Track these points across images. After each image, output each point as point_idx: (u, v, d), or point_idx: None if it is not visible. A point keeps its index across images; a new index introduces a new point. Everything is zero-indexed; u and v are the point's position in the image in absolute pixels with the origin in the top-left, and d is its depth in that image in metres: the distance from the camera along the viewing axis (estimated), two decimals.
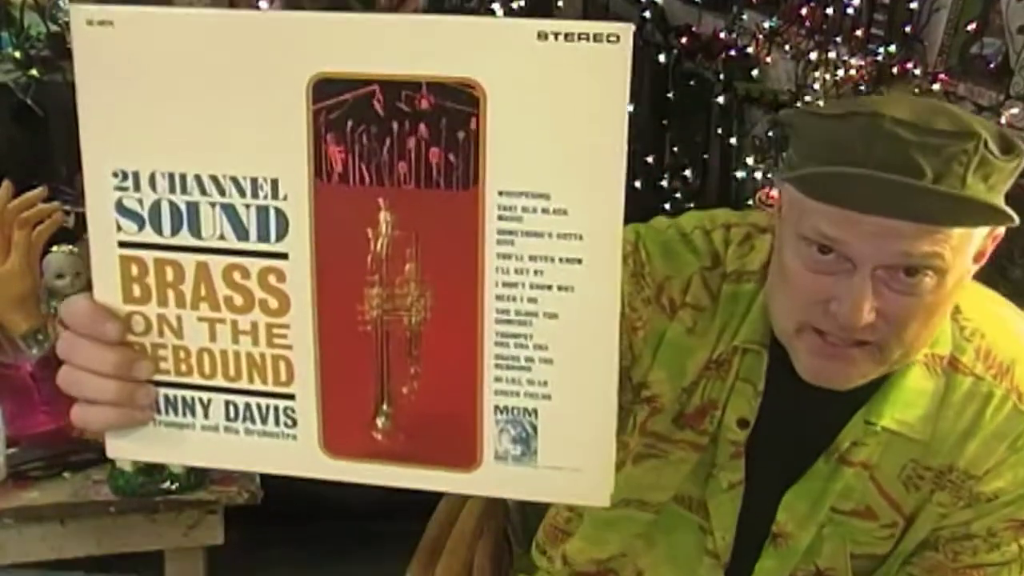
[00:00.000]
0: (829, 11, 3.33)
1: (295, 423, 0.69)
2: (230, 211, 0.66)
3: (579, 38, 0.59)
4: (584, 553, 1.19)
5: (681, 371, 1.06)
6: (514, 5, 3.62)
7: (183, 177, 0.66)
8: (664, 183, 3.93)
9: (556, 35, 0.59)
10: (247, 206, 0.65)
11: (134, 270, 0.68)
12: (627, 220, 0.63)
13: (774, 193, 3.15)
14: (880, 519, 1.07)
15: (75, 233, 1.78)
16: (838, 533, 1.08)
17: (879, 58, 3.06)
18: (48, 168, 2.42)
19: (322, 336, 0.67)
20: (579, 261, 0.63)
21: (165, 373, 0.70)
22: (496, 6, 3.55)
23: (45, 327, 1.45)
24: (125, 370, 0.68)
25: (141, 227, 0.67)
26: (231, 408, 0.70)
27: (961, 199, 0.87)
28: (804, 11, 3.43)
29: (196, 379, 0.70)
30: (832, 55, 3.26)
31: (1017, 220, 0.89)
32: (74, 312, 0.67)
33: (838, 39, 3.28)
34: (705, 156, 4.02)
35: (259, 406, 0.69)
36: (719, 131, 3.91)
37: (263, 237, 0.66)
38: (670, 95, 3.94)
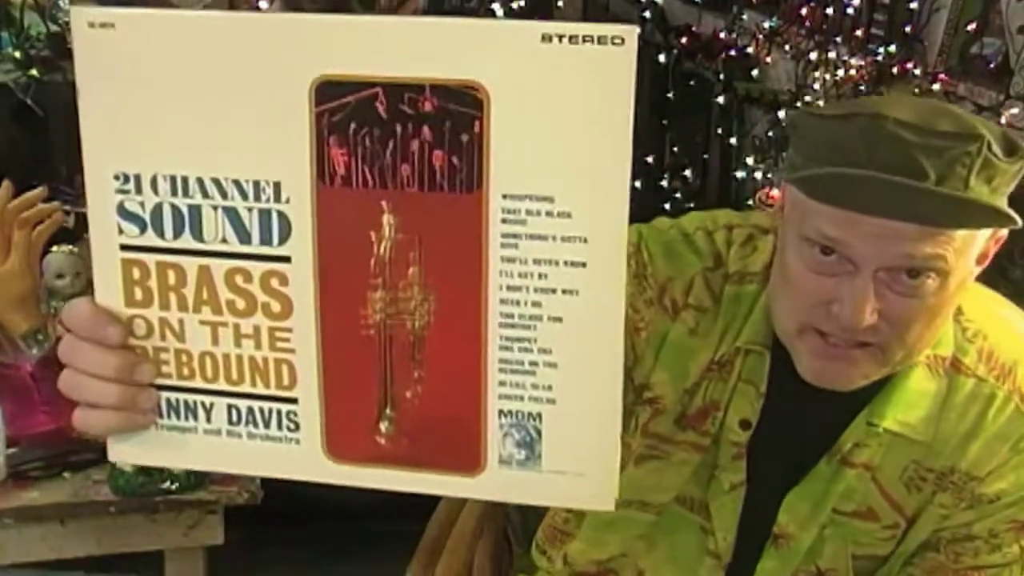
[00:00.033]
0: (829, 11, 3.33)
1: (298, 427, 0.69)
2: (232, 214, 0.66)
3: (583, 40, 0.59)
4: (585, 554, 1.19)
5: (683, 372, 1.06)
6: (514, 5, 3.61)
7: (185, 180, 0.65)
8: (664, 183, 3.93)
9: (560, 37, 0.59)
10: (249, 209, 0.65)
11: (136, 273, 0.68)
12: (627, 221, 0.63)
13: (774, 193, 3.15)
14: (882, 520, 1.07)
15: (75, 233, 1.78)
16: (839, 534, 1.08)
17: (879, 58, 3.07)
18: (48, 168, 2.42)
19: (325, 340, 0.67)
20: (583, 264, 0.63)
21: (167, 377, 0.69)
22: (496, 6, 3.55)
23: (45, 327, 1.45)
24: (127, 374, 0.68)
25: (143, 230, 0.67)
26: (233, 412, 0.70)
27: (963, 201, 0.86)
28: (804, 11, 3.43)
29: (198, 383, 0.69)
30: (832, 55, 3.26)
31: (1020, 222, 0.89)
32: (76, 315, 0.67)
33: (838, 39, 3.27)
34: (705, 156, 4.01)
35: (261, 410, 0.69)
36: (719, 131, 3.90)
37: (265, 240, 0.66)
38: (670, 95, 3.94)
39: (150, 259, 0.67)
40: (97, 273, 0.68)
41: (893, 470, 1.04)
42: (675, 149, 3.97)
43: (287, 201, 0.65)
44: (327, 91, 0.62)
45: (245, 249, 0.66)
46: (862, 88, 3.09)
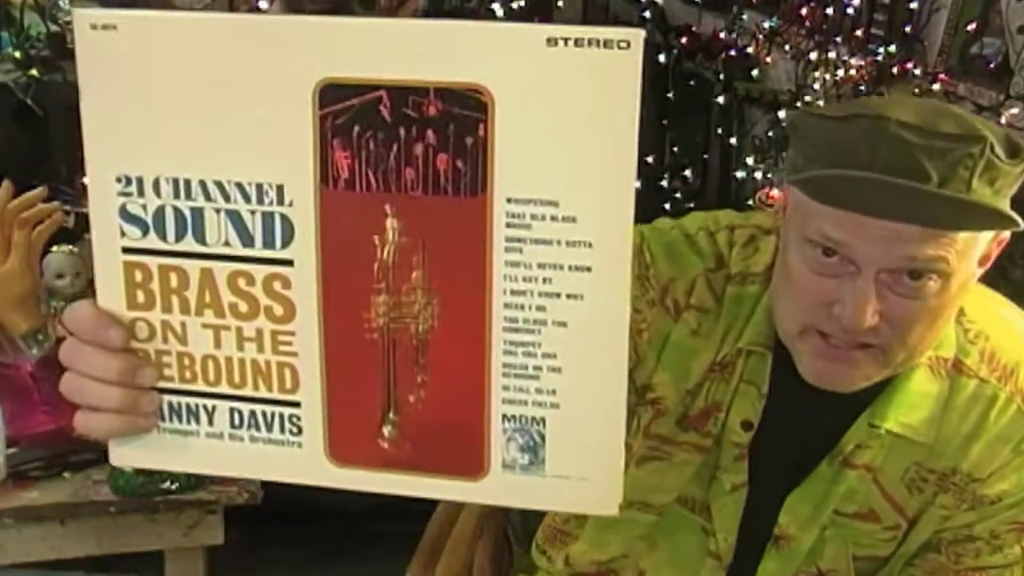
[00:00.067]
0: (829, 11, 3.33)
1: (300, 431, 0.69)
2: (235, 217, 0.65)
3: (589, 44, 0.58)
4: (587, 555, 1.19)
5: (685, 373, 1.06)
6: (514, 5, 3.61)
7: (187, 183, 0.65)
8: (664, 183, 3.93)
9: (566, 40, 0.59)
10: (252, 212, 0.65)
11: (138, 276, 0.67)
12: (632, 225, 0.63)
13: (774, 193, 3.15)
14: (883, 521, 1.07)
15: (75, 233, 1.78)
16: (840, 535, 1.08)
17: (879, 58, 3.07)
18: (48, 168, 2.42)
19: (328, 343, 0.66)
20: (588, 269, 0.62)
21: (169, 380, 0.69)
22: (496, 6, 3.55)
23: (45, 327, 1.45)
24: (129, 377, 0.67)
25: (145, 233, 0.66)
26: (236, 415, 0.69)
27: (966, 203, 0.86)
28: (804, 11, 3.44)
29: (200, 386, 0.69)
30: (832, 55, 3.26)
31: (1022, 224, 0.89)
32: (78, 318, 0.67)
33: (838, 39, 3.28)
34: (705, 156, 4.02)
35: (264, 413, 0.69)
36: (719, 131, 3.91)
37: (268, 243, 0.65)
38: (670, 95, 3.94)
39: (152, 262, 0.67)
40: (99, 276, 0.68)
41: (894, 471, 1.04)
42: (675, 149, 3.98)
43: (290, 204, 0.64)
44: (331, 94, 0.61)
45: (248, 252, 0.66)
46: (862, 88, 3.10)
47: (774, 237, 1.06)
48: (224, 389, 0.69)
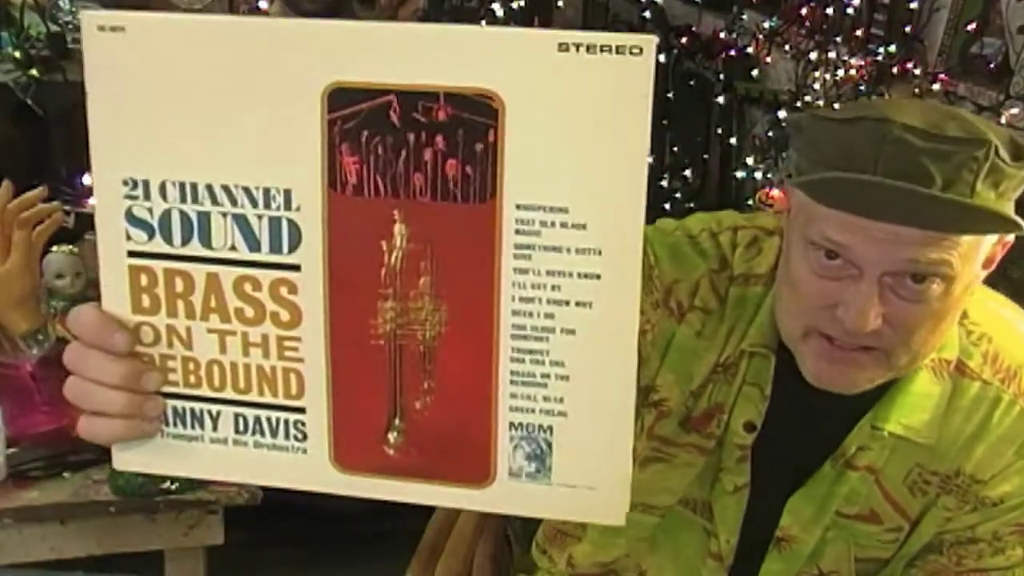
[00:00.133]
0: (829, 11, 3.33)
1: (305, 437, 0.68)
2: (242, 221, 0.65)
3: (601, 50, 0.58)
4: (590, 556, 1.19)
5: (688, 375, 1.06)
6: (514, 5, 3.61)
7: (194, 186, 0.65)
8: (664, 183, 3.93)
9: (577, 47, 0.58)
10: (259, 216, 0.64)
11: (143, 280, 0.67)
12: (643, 232, 0.62)
13: (774, 193, 3.15)
14: (885, 523, 1.07)
15: (75, 233, 1.78)
16: (842, 537, 1.08)
17: (879, 58, 3.07)
18: (48, 168, 2.42)
19: (334, 349, 0.66)
20: (597, 276, 0.62)
21: (174, 385, 0.69)
22: (496, 6, 3.55)
23: (45, 327, 1.44)
24: (133, 381, 0.67)
25: (151, 236, 0.66)
26: (240, 421, 0.69)
27: (969, 207, 0.86)
28: (804, 11, 3.44)
29: (205, 391, 0.69)
30: (832, 55, 3.26)
31: None
32: (82, 322, 0.66)
33: (838, 39, 3.28)
34: (705, 156, 4.02)
35: (269, 419, 0.68)
36: (719, 131, 3.91)
37: (275, 248, 0.65)
38: (670, 95, 3.94)
39: (158, 266, 0.67)
40: (104, 279, 0.67)
41: (897, 473, 1.04)
42: (675, 149, 3.98)
43: (297, 209, 0.64)
44: (339, 98, 0.61)
45: (254, 257, 0.65)
46: (862, 88, 3.10)
47: (777, 238, 1.06)
48: (229, 394, 0.69)
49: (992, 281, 1.00)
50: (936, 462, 1.03)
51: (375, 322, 0.64)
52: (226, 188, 0.64)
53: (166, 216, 0.66)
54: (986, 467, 1.02)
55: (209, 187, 0.64)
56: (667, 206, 3.78)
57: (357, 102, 0.61)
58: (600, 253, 0.62)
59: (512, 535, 1.44)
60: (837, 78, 3.20)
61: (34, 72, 2.47)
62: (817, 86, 3.28)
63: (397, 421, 0.66)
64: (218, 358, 0.68)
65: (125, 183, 0.65)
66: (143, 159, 0.65)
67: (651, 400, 1.07)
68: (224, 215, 0.65)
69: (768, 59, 3.66)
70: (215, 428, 0.69)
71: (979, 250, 0.91)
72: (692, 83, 3.96)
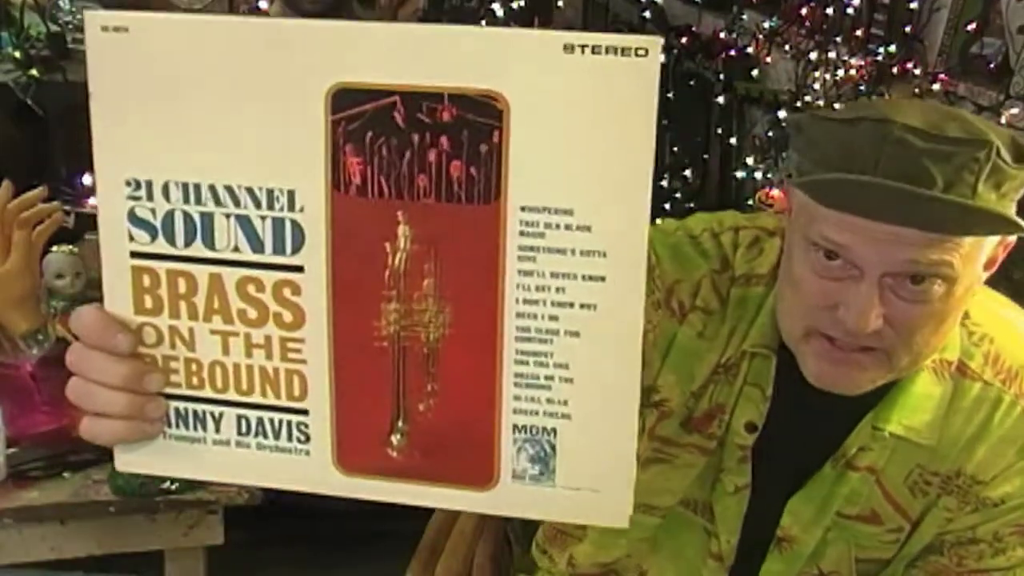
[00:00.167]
0: (829, 11, 3.34)
1: (308, 438, 0.68)
2: (245, 222, 0.64)
3: (606, 51, 0.58)
4: (591, 557, 1.19)
5: (690, 375, 1.06)
6: (514, 5, 3.61)
7: (197, 187, 0.64)
8: (664, 183, 3.93)
9: (583, 48, 0.58)
10: (262, 218, 0.64)
11: (146, 281, 0.67)
12: (647, 234, 0.62)
13: (774, 193, 3.15)
14: (885, 524, 1.07)
15: (75, 233, 1.78)
16: (843, 537, 1.08)
17: (879, 58, 3.07)
18: (48, 168, 2.42)
19: (337, 351, 0.66)
20: (602, 279, 0.62)
21: (176, 386, 0.68)
22: (496, 6, 3.55)
23: (45, 327, 1.44)
24: (135, 383, 0.67)
25: (154, 237, 0.66)
26: (243, 422, 0.69)
27: (970, 208, 0.86)
28: (804, 11, 3.44)
29: (208, 392, 0.68)
30: (832, 55, 3.26)
31: None
32: (84, 323, 0.66)
33: (838, 39, 3.28)
34: (705, 156, 4.01)
35: (272, 421, 0.68)
36: (719, 131, 3.91)
37: (278, 249, 0.65)
38: (670, 95, 3.94)
39: (160, 267, 0.66)
40: (106, 280, 0.67)
41: (897, 474, 1.04)
42: (675, 149, 3.98)
43: (301, 210, 0.64)
44: (343, 99, 0.61)
45: (257, 258, 0.65)
46: (862, 88, 3.10)
47: (778, 239, 1.06)
48: (232, 396, 0.68)
49: (993, 282, 0.99)
50: (937, 463, 1.03)
51: (378, 324, 0.64)
52: (229, 189, 0.64)
53: (169, 217, 0.65)
54: (987, 468, 1.02)
55: (212, 188, 0.64)
56: (667, 206, 3.78)
57: (361, 103, 0.60)
58: (605, 255, 0.61)
59: (512, 535, 1.43)
60: (837, 78, 3.21)
61: (34, 72, 2.47)
62: (817, 86, 3.28)
63: (400, 423, 0.66)
64: (221, 359, 0.67)
65: (128, 184, 0.65)
66: (146, 160, 0.64)
67: (652, 401, 1.06)
68: (227, 216, 0.65)
69: (768, 59, 3.66)
70: (218, 430, 0.69)
71: (981, 251, 0.91)
72: (692, 83, 3.95)
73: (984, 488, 1.02)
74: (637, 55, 0.58)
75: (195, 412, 0.69)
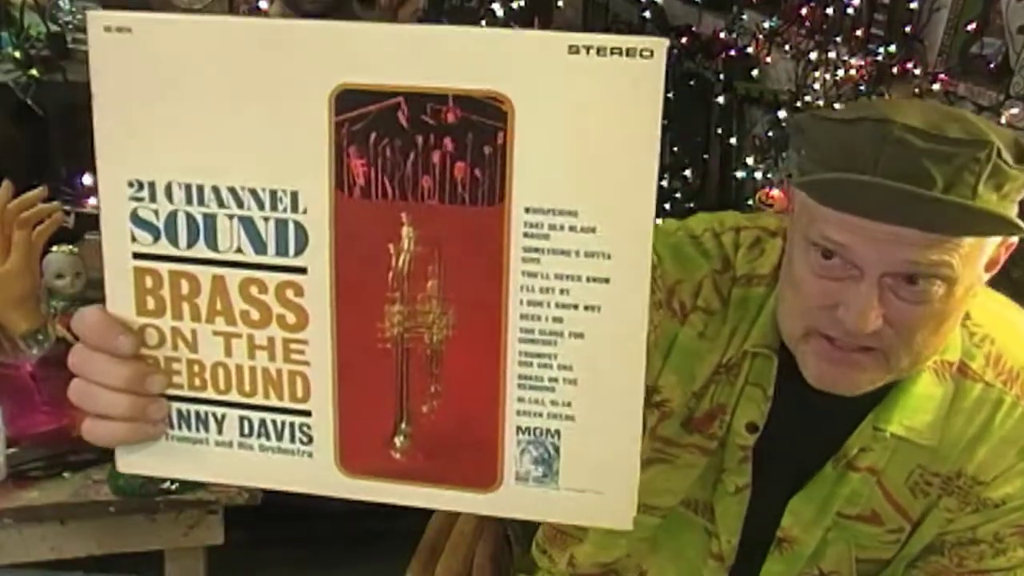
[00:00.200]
0: (829, 11, 3.34)
1: (311, 440, 0.68)
2: (248, 224, 0.64)
3: (612, 53, 0.58)
4: (592, 557, 1.19)
5: (691, 375, 1.06)
6: (514, 5, 3.61)
7: (200, 188, 0.64)
8: (664, 183, 3.93)
9: (588, 49, 0.58)
10: (266, 219, 0.64)
11: (148, 282, 0.66)
12: (652, 236, 0.62)
13: (774, 193, 3.15)
14: (886, 524, 1.07)
15: (75, 233, 1.77)
16: (843, 537, 1.08)
17: (879, 58, 3.07)
18: (48, 168, 2.41)
19: (340, 352, 0.65)
20: (607, 280, 0.62)
21: (178, 387, 0.68)
22: (496, 5, 3.55)
23: (45, 327, 1.44)
24: (138, 384, 0.66)
25: (156, 238, 0.66)
26: (246, 424, 0.69)
27: (970, 209, 0.86)
28: (804, 11, 3.44)
29: (210, 394, 0.68)
30: (832, 55, 3.26)
31: None
32: (86, 324, 0.66)
33: (838, 39, 3.28)
34: (705, 156, 4.02)
35: (274, 422, 0.68)
36: (719, 131, 3.91)
37: (282, 251, 0.64)
38: (670, 95, 3.93)
39: (163, 268, 0.66)
40: (109, 281, 0.67)
41: (898, 474, 1.04)
42: (675, 149, 3.98)
43: (304, 211, 0.63)
44: (347, 100, 0.60)
45: (260, 259, 0.65)
46: (862, 88, 3.10)
47: (780, 239, 1.06)
48: (234, 397, 0.68)
49: (994, 282, 0.99)
50: (938, 463, 1.03)
51: (382, 325, 0.64)
52: (232, 190, 0.64)
53: (172, 218, 0.65)
54: (988, 468, 1.02)
55: (215, 189, 0.64)
56: (667, 206, 3.78)
57: (365, 104, 0.60)
58: (609, 257, 0.61)
59: (512, 535, 1.43)
60: (837, 78, 3.21)
61: (34, 72, 2.47)
62: (817, 86, 3.28)
63: (403, 425, 0.66)
64: (223, 361, 0.67)
65: (130, 184, 0.65)
66: (149, 161, 0.64)
67: (653, 401, 1.06)
68: (230, 217, 0.64)
69: (768, 59, 3.66)
70: (220, 431, 0.69)
71: (981, 252, 0.91)
72: (692, 83, 3.96)
73: (985, 489, 1.02)
74: (642, 56, 0.58)
75: (197, 413, 0.69)
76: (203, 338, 0.67)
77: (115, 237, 0.66)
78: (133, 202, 0.65)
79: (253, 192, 0.64)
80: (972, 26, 2.81)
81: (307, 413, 0.68)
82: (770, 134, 3.50)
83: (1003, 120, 2.56)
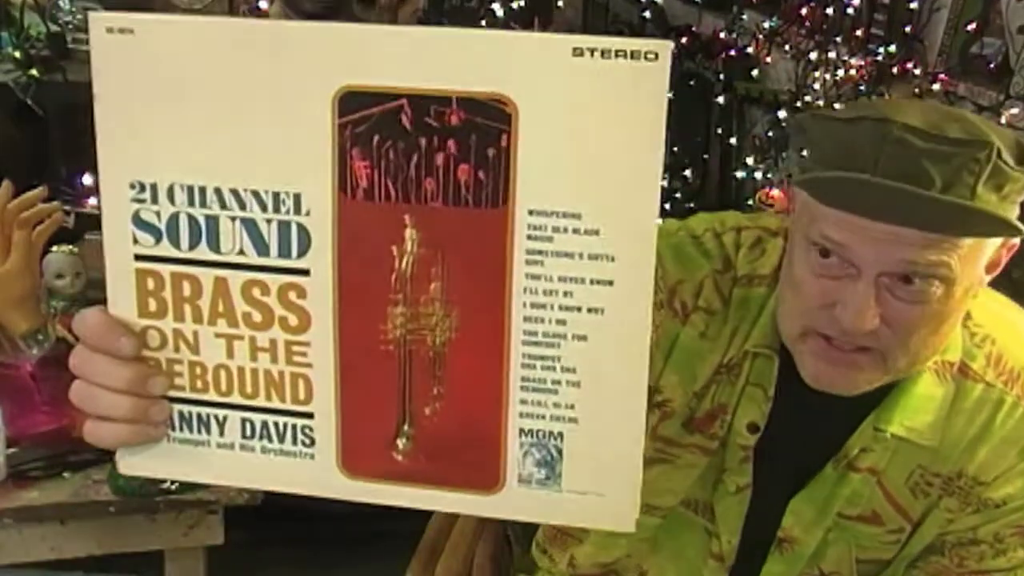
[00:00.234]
0: (829, 11, 3.33)
1: (313, 442, 0.68)
2: (250, 226, 0.64)
3: (616, 55, 0.58)
4: (592, 557, 1.19)
5: (692, 376, 1.06)
6: (514, 5, 3.61)
7: (202, 190, 0.64)
8: (664, 183, 3.92)
9: (592, 51, 0.58)
10: (268, 221, 0.64)
11: (150, 284, 0.66)
12: (656, 239, 0.62)
13: (774, 193, 3.15)
14: (886, 524, 1.07)
15: (75, 233, 1.77)
16: (844, 538, 1.08)
17: (879, 58, 3.07)
18: (48, 168, 2.41)
19: (343, 355, 0.65)
20: (610, 283, 0.62)
21: (180, 389, 0.68)
22: (496, 5, 3.55)
23: (45, 327, 1.44)
24: (139, 386, 0.66)
25: (158, 240, 0.66)
26: (247, 426, 0.68)
27: (967, 209, 0.86)
28: (804, 11, 3.44)
29: (212, 396, 0.68)
30: (832, 55, 3.26)
31: None
32: (88, 325, 0.66)
33: (838, 39, 3.28)
34: (705, 156, 4.01)
35: (276, 424, 0.68)
36: (719, 131, 3.90)
37: (284, 253, 0.64)
38: (670, 95, 3.93)
39: (165, 269, 0.66)
40: (110, 283, 0.67)
41: (899, 475, 1.04)
42: (675, 149, 3.98)
43: (307, 213, 0.63)
44: (350, 102, 0.60)
45: (263, 261, 0.65)
46: (862, 88, 3.10)
47: (781, 239, 1.06)
48: (236, 399, 0.68)
49: (994, 282, 0.99)
50: (938, 464, 1.03)
51: (385, 327, 0.64)
52: (235, 192, 0.64)
53: (174, 220, 0.65)
54: (989, 469, 1.02)
55: (218, 191, 0.64)
56: (667, 206, 3.77)
57: (368, 106, 0.60)
58: (613, 259, 0.61)
59: (512, 535, 1.43)
60: (837, 78, 3.20)
61: (34, 72, 2.47)
62: (817, 86, 3.28)
63: (406, 427, 0.66)
64: (225, 363, 0.67)
65: (132, 186, 0.65)
66: (151, 162, 0.64)
67: (655, 401, 1.06)
68: (233, 219, 0.64)
69: (768, 59, 3.66)
70: (222, 433, 0.69)
71: (981, 253, 0.91)
72: (692, 83, 3.95)
73: (985, 489, 1.02)
74: (647, 59, 0.58)
75: (199, 415, 0.69)
76: (205, 340, 0.67)
77: (117, 239, 0.66)
78: (135, 204, 0.65)
79: (255, 194, 0.64)
80: (972, 26, 2.81)
81: (309, 415, 0.68)
82: (770, 134, 3.50)
83: (1003, 120, 2.56)
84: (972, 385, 1.02)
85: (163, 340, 0.67)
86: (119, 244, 0.66)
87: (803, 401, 1.00)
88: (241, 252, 0.65)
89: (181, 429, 0.69)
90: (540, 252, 0.61)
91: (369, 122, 0.61)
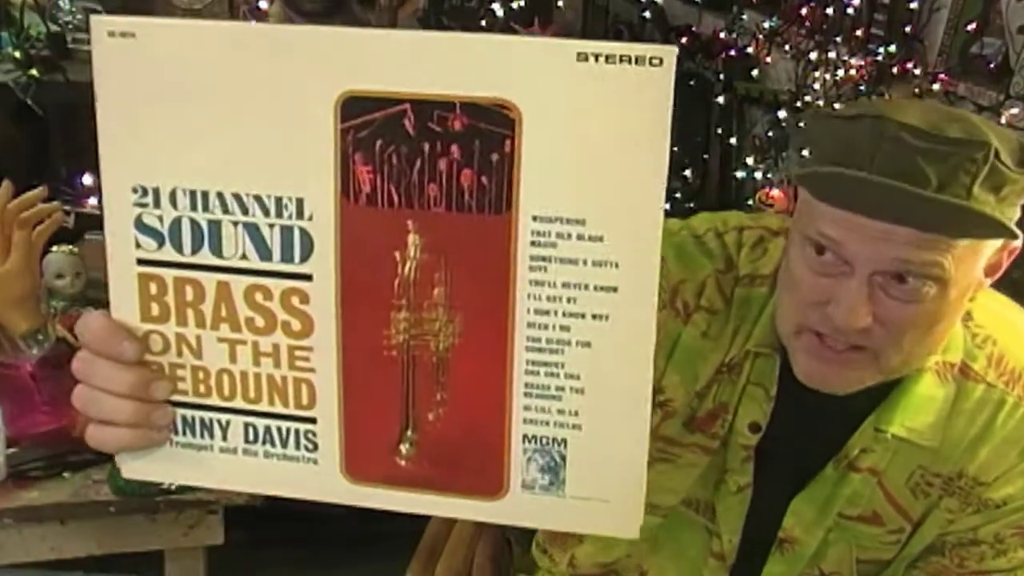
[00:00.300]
0: (829, 11, 3.33)
1: (316, 447, 0.68)
2: (253, 230, 0.64)
3: (621, 60, 0.57)
4: (592, 557, 1.19)
5: (694, 375, 1.05)
6: (514, 5, 3.61)
7: (205, 195, 0.64)
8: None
9: (597, 57, 0.58)
10: (271, 225, 0.64)
11: (153, 288, 0.66)
12: (660, 245, 0.62)
13: (774, 193, 3.15)
14: (886, 525, 1.07)
15: (75, 233, 1.77)
16: (844, 538, 1.08)
17: (879, 58, 3.06)
18: (48, 168, 2.41)
19: (346, 360, 0.65)
20: (614, 289, 0.62)
21: (183, 394, 0.68)
22: (496, 6, 3.55)
23: (45, 327, 1.44)
24: (142, 390, 0.66)
25: (161, 244, 0.65)
26: (250, 430, 0.69)
27: (962, 209, 0.85)
28: (804, 11, 3.43)
29: (215, 400, 0.68)
30: (832, 55, 3.25)
31: (1020, 235, 0.88)
32: (91, 330, 0.66)
33: (838, 39, 3.27)
34: (705, 156, 4.01)
35: (279, 429, 0.68)
36: (719, 131, 3.90)
37: (287, 257, 0.64)
38: None
39: (167, 274, 0.66)
40: (113, 287, 0.67)
41: (899, 475, 1.04)
42: (675, 149, 3.97)
43: (310, 218, 0.63)
44: (353, 107, 0.60)
45: (265, 266, 0.65)
46: (862, 88, 3.09)
47: (783, 239, 1.06)
48: (239, 404, 0.68)
49: (994, 283, 0.99)
50: (939, 464, 1.03)
51: (388, 333, 0.64)
52: (237, 196, 0.64)
53: (176, 224, 0.65)
54: (989, 469, 1.02)
55: (220, 195, 0.64)
56: (667, 206, 3.76)
57: (370, 111, 0.60)
58: (617, 266, 0.61)
59: (512, 535, 1.43)
60: (837, 78, 3.20)
61: (34, 72, 2.46)
62: (817, 86, 3.28)
63: (409, 432, 0.66)
64: (228, 367, 0.67)
65: (135, 191, 0.65)
66: (153, 166, 0.64)
67: (656, 401, 1.06)
68: (235, 224, 0.64)
69: (768, 59, 3.65)
70: (225, 437, 0.69)
71: (978, 254, 0.90)
72: (692, 83, 3.95)
73: (986, 489, 1.02)
74: (651, 64, 0.57)
75: (202, 420, 0.69)
76: (208, 344, 0.67)
77: (119, 243, 0.66)
78: (137, 208, 0.65)
79: (258, 198, 0.64)
80: (972, 26, 2.81)
81: (312, 420, 0.68)
82: (770, 134, 3.49)
83: (1003, 120, 2.56)
84: (973, 386, 1.02)
85: (166, 344, 0.67)
86: (121, 248, 0.66)
87: (804, 401, 1.00)
88: (244, 257, 0.65)
89: (184, 433, 0.69)
90: (544, 258, 0.61)
91: (372, 127, 0.60)
